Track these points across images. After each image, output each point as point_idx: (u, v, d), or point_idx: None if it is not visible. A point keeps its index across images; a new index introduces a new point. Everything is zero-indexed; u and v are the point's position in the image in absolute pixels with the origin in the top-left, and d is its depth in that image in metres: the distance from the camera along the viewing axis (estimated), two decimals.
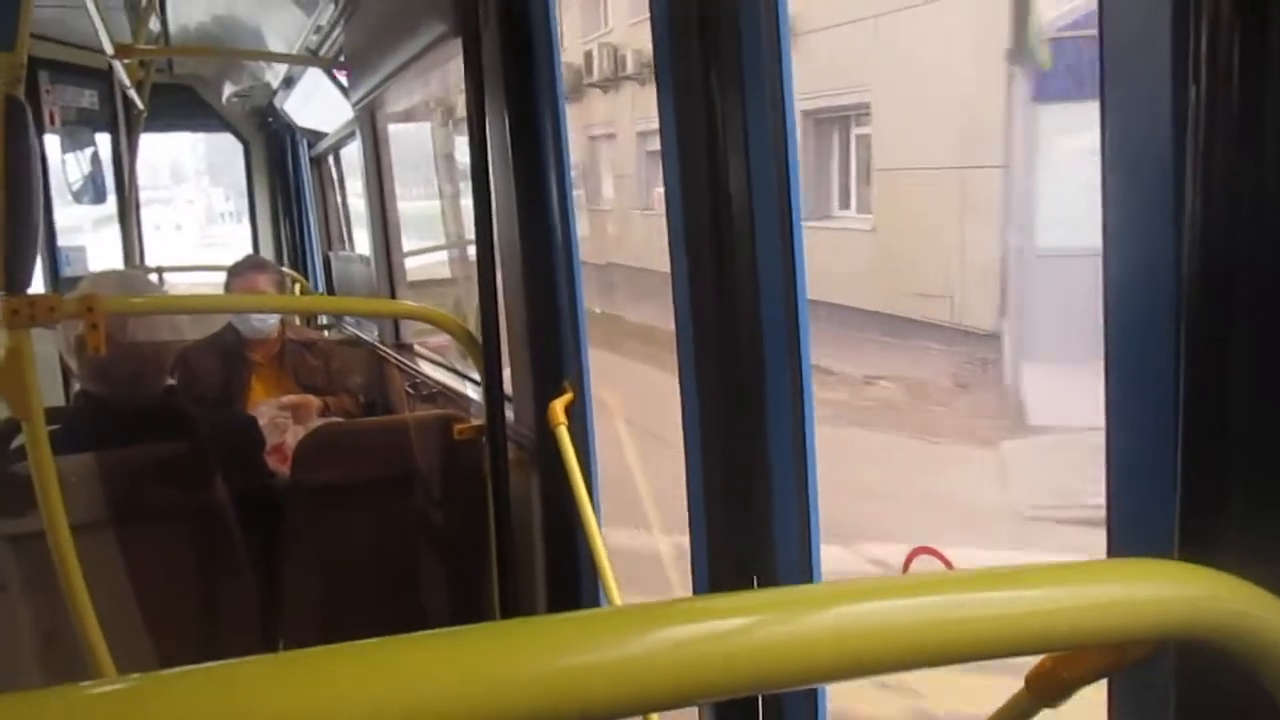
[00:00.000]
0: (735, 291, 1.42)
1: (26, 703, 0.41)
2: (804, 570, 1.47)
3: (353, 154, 5.09)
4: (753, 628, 0.49)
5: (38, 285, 2.15)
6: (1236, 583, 0.57)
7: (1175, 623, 0.56)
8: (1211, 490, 0.71)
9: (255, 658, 0.44)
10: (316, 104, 5.00)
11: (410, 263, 4.59)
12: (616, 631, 0.48)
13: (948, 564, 1.20)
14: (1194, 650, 0.75)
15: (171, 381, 2.55)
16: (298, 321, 4.66)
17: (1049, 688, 0.65)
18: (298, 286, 5.54)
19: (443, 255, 5.67)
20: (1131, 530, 0.88)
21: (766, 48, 1.39)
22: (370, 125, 3.98)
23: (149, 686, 0.44)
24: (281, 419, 3.16)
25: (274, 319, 3.59)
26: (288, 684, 0.43)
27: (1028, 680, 0.66)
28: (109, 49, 3.80)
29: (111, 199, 5.65)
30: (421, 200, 5.33)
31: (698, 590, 1.65)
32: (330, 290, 5.72)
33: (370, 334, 4.47)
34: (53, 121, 5.34)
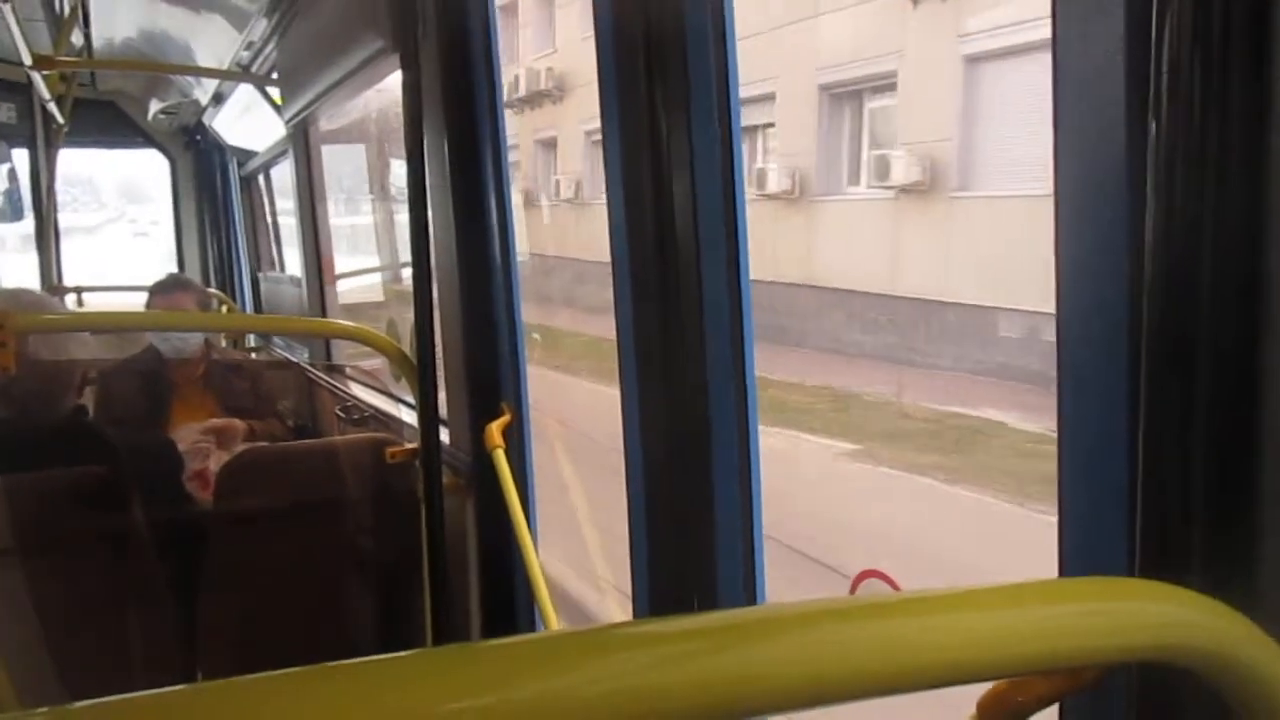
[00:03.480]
0: (680, 310, 1.40)
1: None
2: (748, 591, 1.45)
3: (284, 173, 4.99)
4: (695, 654, 0.46)
5: None
6: (1208, 602, 0.55)
7: (1148, 644, 0.54)
8: (1174, 507, 0.70)
9: (167, 690, 0.40)
10: (247, 122, 4.90)
11: (342, 285, 4.49)
12: (552, 658, 0.44)
13: (895, 588, 1.18)
14: (1156, 672, 0.74)
15: (81, 402, 2.43)
16: (223, 342, 4.52)
17: (1001, 713, 0.62)
18: (224, 308, 5.39)
19: (375, 278, 5.58)
20: (1084, 549, 0.87)
21: (714, 68, 1.38)
22: (303, 143, 3.90)
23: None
24: (204, 443, 3.04)
25: (197, 339, 3.47)
26: (200, 717, 0.39)
27: (980, 706, 0.64)
28: (27, 60, 3.66)
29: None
30: (354, 221, 5.25)
31: (638, 611, 1.61)
32: (259, 312, 5.58)
33: (300, 357, 4.36)
34: None
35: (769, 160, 9.52)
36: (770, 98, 9.32)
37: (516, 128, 15.53)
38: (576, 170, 14.39)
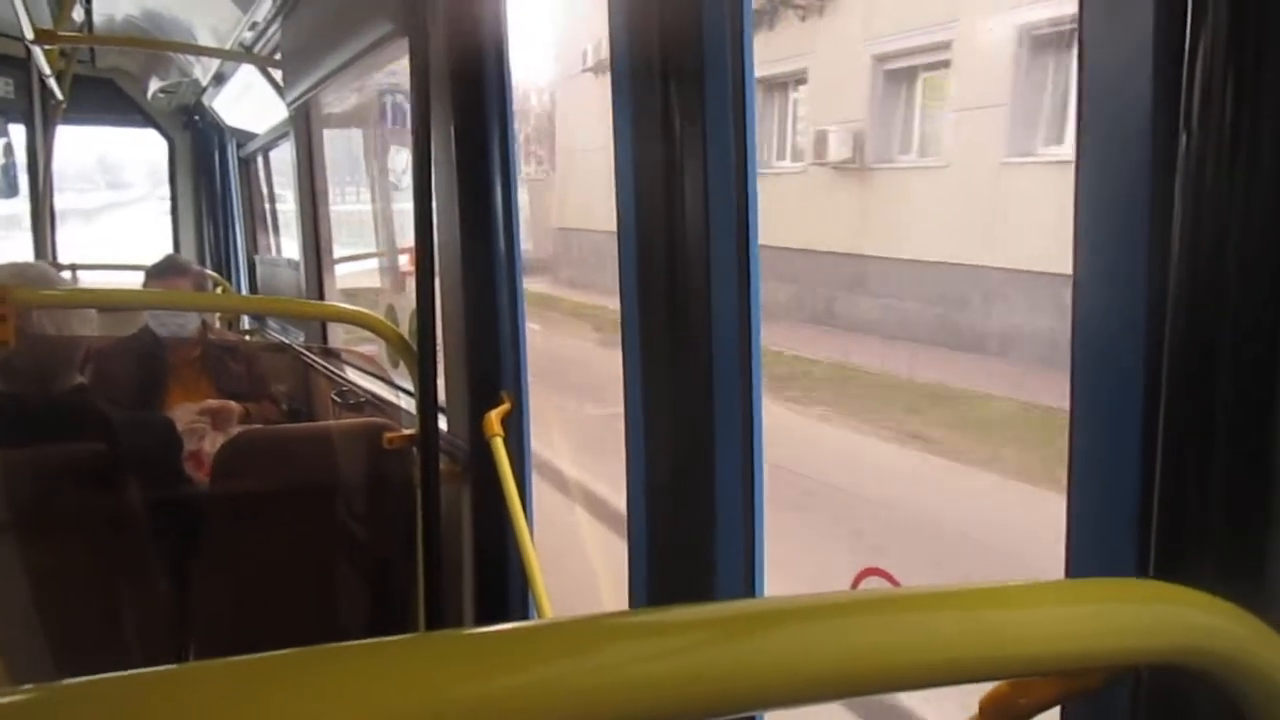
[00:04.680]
0: (687, 297, 1.40)
1: None
2: (746, 584, 1.45)
3: (284, 155, 4.97)
4: (692, 647, 0.46)
5: None
6: (1220, 604, 0.55)
7: (1158, 647, 0.54)
8: (1189, 507, 0.70)
9: (157, 669, 0.40)
10: (248, 103, 4.88)
11: (339, 269, 4.48)
12: (545, 647, 0.44)
13: (895, 584, 1.19)
14: (1163, 675, 0.74)
15: (82, 379, 2.42)
16: (218, 324, 4.51)
17: (1005, 714, 0.63)
18: (220, 290, 5.37)
19: (373, 263, 5.56)
20: (1092, 549, 0.87)
21: (731, 75, 1.38)
22: (305, 126, 3.88)
23: (39, 698, 0.39)
24: (199, 424, 3.03)
25: (193, 325, 3.45)
26: (189, 697, 0.39)
27: (981, 705, 0.64)
28: (29, 34, 3.64)
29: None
30: (354, 206, 5.23)
31: (634, 601, 1.61)
32: (254, 295, 5.57)
33: (295, 340, 4.35)
34: None
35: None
36: None
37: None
38: (850, 117, 8.81)
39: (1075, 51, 0.84)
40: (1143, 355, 0.78)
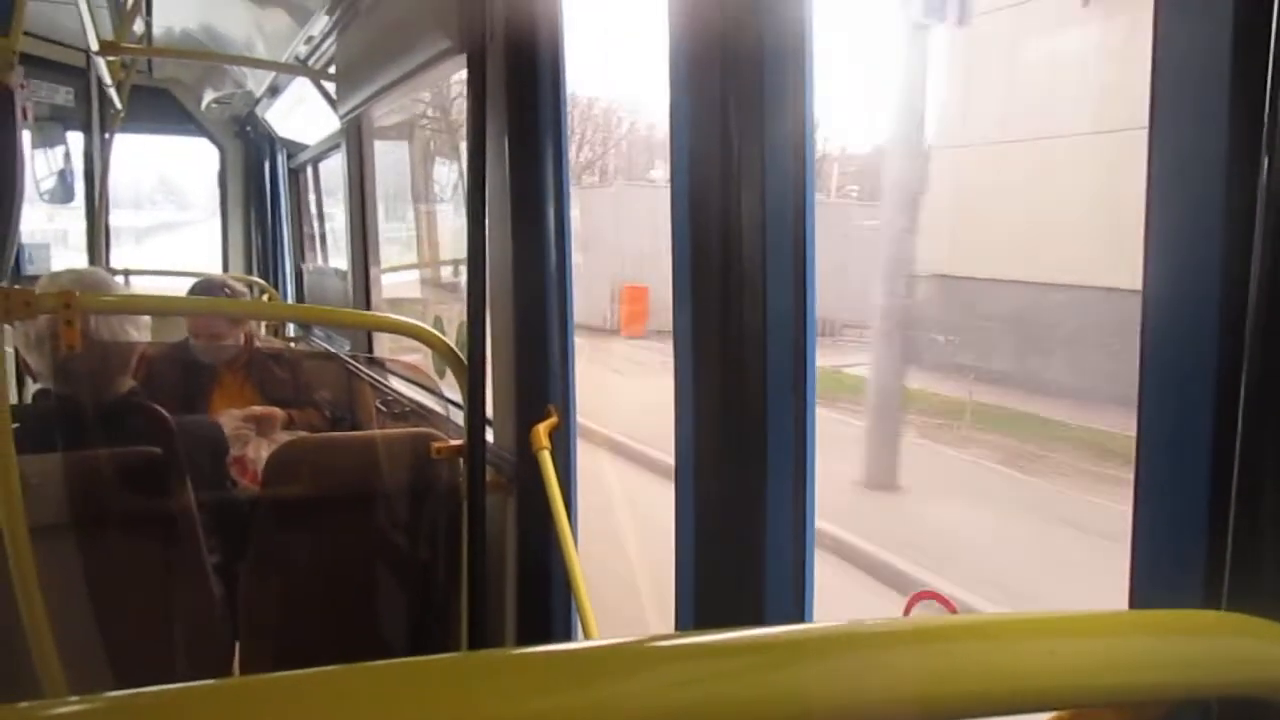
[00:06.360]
0: (741, 319, 1.40)
1: None
2: (796, 608, 1.44)
3: (333, 167, 5.03)
4: (740, 672, 0.45)
5: None
6: None
7: (1226, 680, 0.53)
8: (1266, 539, 0.69)
9: (202, 683, 0.41)
10: (299, 115, 4.95)
11: (385, 280, 4.53)
12: (590, 670, 0.44)
13: (951, 609, 1.18)
14: (1237, 707, 0.73)
15: (134, 384, 2.46)
16: (263, 331, 4.56)
17: None
18: (266, 298, 5.44)
19: (415, 274, 5.61)
20: (1156, 579, 0.86)
21: (791, 82, 1.38)
22: (356, 139, 3.94)
23: (97, 709, 0.40)
24: (244, 430, 3.07)
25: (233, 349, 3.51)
26: (234, 711, 0.40)
27: None
28: (94, 45, 3.72)
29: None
30: (400, 220, 5.28)
31: (681, 622, 1.60)
32: (300, 303, 5.63)
33: (340, 348, 4.40)
34: (25, 116, 5.24)
35: None
36: None
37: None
38: None
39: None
40: (1216, 372, 0.76)
